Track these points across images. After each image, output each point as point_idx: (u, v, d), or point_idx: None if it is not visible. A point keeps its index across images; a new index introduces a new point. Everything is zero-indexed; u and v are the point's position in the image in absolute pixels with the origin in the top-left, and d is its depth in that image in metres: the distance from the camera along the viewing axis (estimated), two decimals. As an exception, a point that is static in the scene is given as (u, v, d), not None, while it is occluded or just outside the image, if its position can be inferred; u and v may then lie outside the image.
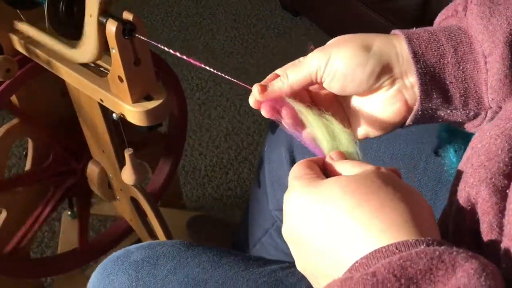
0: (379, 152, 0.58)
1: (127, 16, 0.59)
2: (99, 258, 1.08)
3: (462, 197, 0.37)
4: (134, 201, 0.90)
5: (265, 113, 0.46)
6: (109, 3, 0.59)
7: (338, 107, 0.49)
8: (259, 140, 1.53)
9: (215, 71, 0.54)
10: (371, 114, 0.46)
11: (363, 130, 0.48)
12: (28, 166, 0.89)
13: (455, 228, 0.38)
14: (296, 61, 0.47)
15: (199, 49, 1.87)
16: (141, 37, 0.60)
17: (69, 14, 0.63)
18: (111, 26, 0.58)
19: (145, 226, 0.94)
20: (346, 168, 0.39)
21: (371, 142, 0.47)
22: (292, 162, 0.69)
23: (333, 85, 0.45)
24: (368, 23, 1.60)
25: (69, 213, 1.15)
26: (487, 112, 0.43)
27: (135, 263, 0.56)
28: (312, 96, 0.49)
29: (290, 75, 0.46)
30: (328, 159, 0.41)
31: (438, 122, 0.46)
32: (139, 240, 1.07)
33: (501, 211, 0.34)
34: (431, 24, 1.49)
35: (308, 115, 0.44)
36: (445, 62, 0.43)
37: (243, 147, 1.52)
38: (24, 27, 0.72)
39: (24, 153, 0.92)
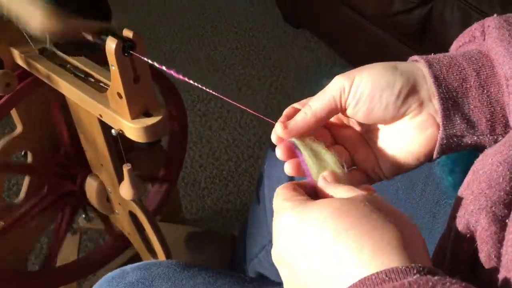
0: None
1: (127, 33, 0.59)
2: (98, 271, 1.08)
3: (461, 223, 0.37)
4: (132, 215, 0.89)
5: (280, 154, 0.44)
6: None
7: (364, 147, 0.46)
8: (259, 153, 1.53)
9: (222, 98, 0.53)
10: (402, 145, 0.43)
11: (395, 165, 0.44)
12: (23, 194, 0.88)
13: (453, 254, 0.38)
14: (319, 92, 0.44)
15: (201, 60, 1.87)
16: (140, 56, 0.60)
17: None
18: (111, 44, 0.58)
19: (143, 240, 0.94)
20: (339, 192, 0.38)
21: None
22: (291, 179, 0.68)
23: (358, 109, 0.42)
24: (369, 37, 1.61)
25: (83, 216, 1.14)
26: None
27: (130, 284, 0.55)
28: (334, 135, 0.47)
29: (313, 104, 0.43)
30: (321, 181, 0.40)
31: (465, 149, 0.43)
32: (137, 253, 1.06)
33: (500, 241, 0.34)
34: (432, 40, 1.49)
35: (300, 145, 0.43)
36: (468, 86, 0.41)
37: (243, 159, 1.52)
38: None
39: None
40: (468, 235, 0.36)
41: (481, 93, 0.41)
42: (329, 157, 0.42)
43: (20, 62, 0.76)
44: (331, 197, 0.38)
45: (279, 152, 0.44)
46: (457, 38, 0.48)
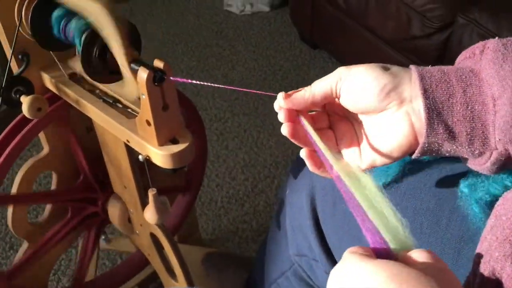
0: (401, 207, 0.58)
1: (158, 64, 0.61)
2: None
3: (486, 270, 0.38)
4: (153, 236, 0.90)
5: (282, 117, 0.50)
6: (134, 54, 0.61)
7: (350, 138, 0.52)
8: (276, 173, 1.54)
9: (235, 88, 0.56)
10: (378, 135, 0.49)
11: (370, 155, 0.50)
12: (54, 185, 0.90)
13: (479, 300, 0.38)
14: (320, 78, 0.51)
15: (219, 79, 1.89)
16: (170, 83, 0.61)
17: (102, 59, 0.65)
18: (143, 74, 0.60)
19: (163, 261, 0.95)
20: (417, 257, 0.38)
21: (392, 196, 0.48)
22: (313, 209, 0.69)
23: (347, 97, 0.48)
24: (387, 60, 1.61)
25: (103, 237, 1.16)
26: (492, 153, 0.45)
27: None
28: (331, 121, 0.54)
29: (313, 86, 0.50)
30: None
31: (444, 155, 0.49)
32: (154, 272, 1.07)
33: (527, 288, 0.34)
34: (451, 64, 1.50)
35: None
36: (454, 101, 0.45)
37: (259, 179, 1.53)
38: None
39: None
40: (493, 282, 0.37)
41: (465, 109, 0.45)
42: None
43: (50, 86, 0.78)
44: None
45: (282, 117, 0.50)
46: (463, 51, 0.52)
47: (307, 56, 2.01)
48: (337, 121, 0.53)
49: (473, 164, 0.48)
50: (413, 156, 0.49)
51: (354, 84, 0.48)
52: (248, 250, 1.34)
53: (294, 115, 0.50)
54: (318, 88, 0.49)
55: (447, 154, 0.48)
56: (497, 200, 0.43)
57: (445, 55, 1.40)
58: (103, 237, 1.16)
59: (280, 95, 0.50)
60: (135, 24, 0.68)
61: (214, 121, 1.71)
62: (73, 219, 0.90)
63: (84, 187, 0.91)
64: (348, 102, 0.49)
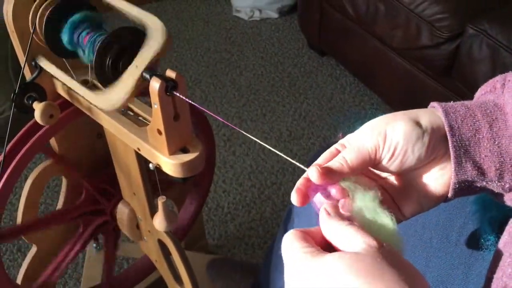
0: (411, 220, 0.58)
1: (170, 74, 0.62)
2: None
3: (499, 286, 0.38)
4: (161, 243, 0.91)
5: (296, 200, 0.43)
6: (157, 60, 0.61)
7: (383, 190, 0.48)
8: (283, 180, 1.54)
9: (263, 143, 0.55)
10: (426, 186, 0.46)
11: (415, 204, 0.47)
12: (60, 204, 0.91)
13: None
14: (350, 145, 0.45)
15: (227, 85, 1.90)
16: (181, 96, 0.62)
17: (114, 68, 0.66)
18: (155, 83, 0.60)
19: (170, 268, 0.95)
20: (347, 238, 0.37)
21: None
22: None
23: (392, 162, 0.45)
24: (394, 68, 1.62)
25: (95, 245, 1.17)
26: None
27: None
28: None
29: (348, 156, 0.44)
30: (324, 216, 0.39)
31: (477, 193, 0.47)
32: (161, 278, 1.08)
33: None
34: (460, 76, 1.50)
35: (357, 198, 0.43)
36: (480, 136, 0.44)
37: (266, 186, 1.53)
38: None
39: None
40: None
41: (492, 143, 0.44)
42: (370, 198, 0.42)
43: (62, 93, 0.79)
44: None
45: (296, 199, 0.43)
46: (481, 86, 0.51)
47: (315, 63, 2.02)
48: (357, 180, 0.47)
49: (507, 199, 0.46)
50: (448, 198, 0.47)
51: (397, 150, 0.44)
52: (254, 257, 1.35)
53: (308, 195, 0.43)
54: (355, 160, 0.44)
55: (479, 192, 0.46)
56: (509, 218, 0.43)
57: (453, 65, 1.40)
58: (94, 245, 1.17)
59: (314, 171, 0.42)
60: (140, 30, 0.68)
61: (222, 127, 1.72)
62: (85, 231, 0.91)
63: (89, 201, 0.93)
64: (392, 167, 0.45)
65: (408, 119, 0.45)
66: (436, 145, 0.44)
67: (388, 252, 0.36)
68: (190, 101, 0.63)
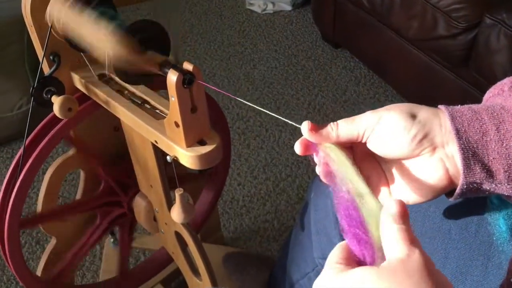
0: (429, 212, 0.58)
1: (187, 66, 0.62)
2: (139, 287, 1.10)
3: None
4: (178, 235, 0.91)
5: (299, 150, 0.48)
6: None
7: (376, 174, 0.51)
8: (297, 173, 1.54)
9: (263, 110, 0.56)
10: (412, 179, 0.48)
11: (403, 197, 0.49)
12: (79, 196, 0.93)
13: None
14: (350, 118, 0.49)
15: (240, 78, 1.90)
16: (199, 86, 0.62)
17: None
18: (172, 76, 0.61)
19: (187, 259, 0.96)
20: (392, 249, 0.37)
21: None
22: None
23: (377, 145, 0.48)
24: (410, 60, 1.61)
25: (112, 240, 1.18)
26: None
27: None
28: (355, 156, 0.51)
29: (341, 126, 0.48)
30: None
31: (485, 194, 0.47)
32: (177, 270, 1.09)
33: None
34: (477, 67, 1.48)
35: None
36: (488, 139, 0.45)
37: (281, 178, 1.53)
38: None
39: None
40: None
41: (500, 146, 0.45)
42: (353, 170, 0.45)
43: (79, 86, 0.80)
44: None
45: (298, 148, 0.48)
46: (489, 89, 0.52)
47: (329, 55, 2.01)
48: (363, 159, 0.51)
49: None
50: (452, 199, 0.48)
51: (383, 134, 0.47)
52: (270, 250, 1.35)
53: (312, 147, 0.49)
54: (344, 132, 0.48)
55: (487, 193, 0.47)
56: None
57: (470, 56, 1.39)
58: (111, 239, 1.18)
59: (305, 126, 0.48)
60: (159, 23, 0.68)
61: (236, 120, 1.72)
62: (103, 223, 0.92)
63: (107, 193, 0.93)
64: (377, 149, 0.48)
65: (405, 110, 0.47)
66: (423, 141, 0.46)
67: (419, 265, 0.35)
68: (211, 87, 0.63)
